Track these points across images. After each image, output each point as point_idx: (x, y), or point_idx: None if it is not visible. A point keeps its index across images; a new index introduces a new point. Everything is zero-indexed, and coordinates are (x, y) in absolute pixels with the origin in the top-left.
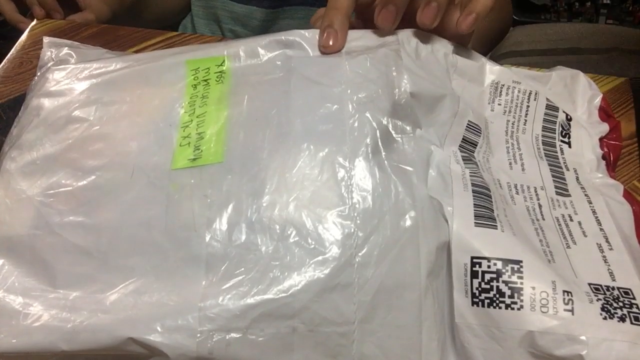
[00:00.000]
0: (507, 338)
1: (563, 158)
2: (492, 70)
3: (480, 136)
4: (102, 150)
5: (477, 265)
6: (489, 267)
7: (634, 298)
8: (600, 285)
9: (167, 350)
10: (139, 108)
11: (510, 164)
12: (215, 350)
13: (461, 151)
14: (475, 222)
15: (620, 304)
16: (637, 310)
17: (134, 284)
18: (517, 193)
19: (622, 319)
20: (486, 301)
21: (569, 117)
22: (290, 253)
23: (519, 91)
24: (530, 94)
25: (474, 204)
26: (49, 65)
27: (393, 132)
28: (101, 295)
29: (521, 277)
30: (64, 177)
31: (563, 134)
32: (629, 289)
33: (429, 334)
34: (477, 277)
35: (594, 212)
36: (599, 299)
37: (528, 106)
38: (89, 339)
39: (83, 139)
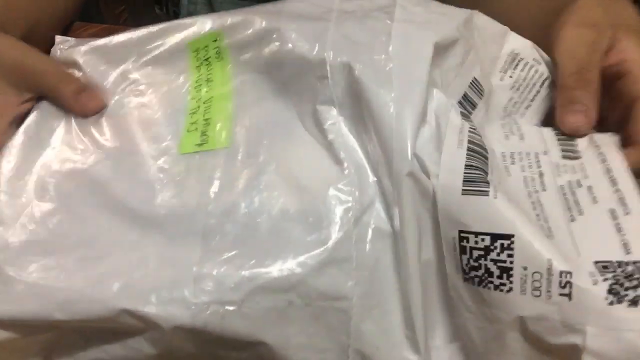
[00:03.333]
0: (499, 320)
1: None
2: (515, 40)
3: (481, 99)
4: (113, 136)
5: (465, 240)
6: (476, 242)
7: None
8: (610, 262)
9: (162, 321)
10: (150, 97)
11: (506, 135)
12: (210, 323)
13: (460, 107)
14: (463, 189)
15: (635, 282)
16: None
17: (131, 255)
18: (514, 163)
19: (634, 302)
20: (476, 279)
21: None
22: (289, 228)
23: (535, 71)
24: (546, 79)
25: (466, 165)
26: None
27: None
28: (98, 266)
29: (511, 256)
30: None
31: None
32: None
33: (427, 309)
34: (466, 253)
35: (608, 170)
36: (606, 279)
37: (538, 92)
38: (83, 308)
39: (96, 123)
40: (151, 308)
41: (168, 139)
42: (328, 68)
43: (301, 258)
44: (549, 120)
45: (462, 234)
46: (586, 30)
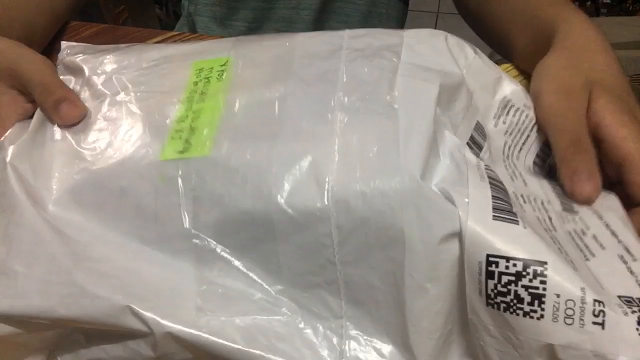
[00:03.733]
0: (525, 346)
1: None
2: (507, 87)
3: (485, 141)
4: (99, 140)
5: (494, 265)
6: (507, 268)
7: None
8: (632, 298)
9: (157, 327)
10: (141, 104)
11: (511, 177)
12: (209, 329)
13: (470, 147)
14: (493, 215)
15: None
16: None
17: (132, 263)
18: (525, 202)
19: None
20: (502, 305)
21: None
22: (278, 247)
23: (526, 116)
24: (535, 124)
25: (493, 196)
26: (63, 59)
27: None
28: (101, 266)
29: (544, 282)
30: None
31: (552, 175)
32: None
33: (437, 330)
34: (493, 278)
35: (607, 225)
36: (634, 312)
37: (528, 136)
38: (87, 304)
39: (86, 128)
40: (152, 310)
41: (151, 145)
42: (330, 116)
43: (290, 281)
44: (542, 157)
45: (491, 258)
46: (564, 97)
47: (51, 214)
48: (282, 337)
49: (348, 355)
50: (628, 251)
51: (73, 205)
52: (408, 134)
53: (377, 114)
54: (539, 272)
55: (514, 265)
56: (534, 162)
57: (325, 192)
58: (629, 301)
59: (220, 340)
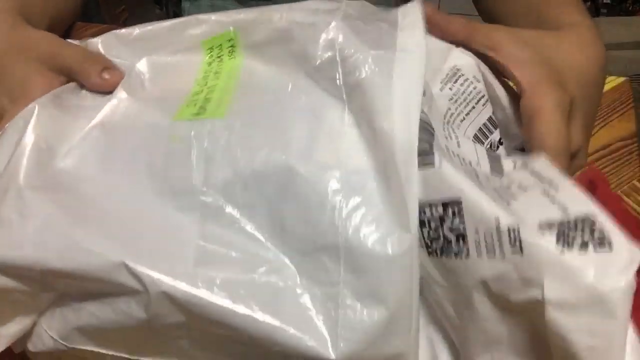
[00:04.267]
0: (464, 287)
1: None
2: (459, 56)
3: (423, 96)
4: (113, 104)
5: (422, 213)
6: (432, 213)
7: (594, 223)
8: (552, 220)
9: (152, 285)
10: (156, 87)
11: (445, 138)
12: (205, 287)
13: None
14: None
15: (580, 232)
16: (600, 235)
17: (135, 218)
18: (457, 157)
19: (583, 246)
20: (438, 251)
21: (500, 141)
22: (285, 208)
23: (474, 88)
24: (482, 97)
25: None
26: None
27: None
28: (100, 221)
29: (462, 221)
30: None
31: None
32: (586, 214)
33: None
34: (425, 226)
35: (531, 170)
36: (552, 231)
37: (473, 107)
38: (82, 259)
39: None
40: (148, 267)
41: (166, 110)
42: (338, 60)
43: (292, 243)
44: (484, 134)
45: (420, 206)
46: (520, 47)
47: (57, 166)
48: (279, 300)
49: (342, 323)
50: (551, 184)
51: (82, 159)
52: (405, 103)
53: (376, 77)
54: (456, 211)
55: (437, 209)
56: (475, 136)
57: (337, 157)
58: (549, 224)
59: (216, 300)
